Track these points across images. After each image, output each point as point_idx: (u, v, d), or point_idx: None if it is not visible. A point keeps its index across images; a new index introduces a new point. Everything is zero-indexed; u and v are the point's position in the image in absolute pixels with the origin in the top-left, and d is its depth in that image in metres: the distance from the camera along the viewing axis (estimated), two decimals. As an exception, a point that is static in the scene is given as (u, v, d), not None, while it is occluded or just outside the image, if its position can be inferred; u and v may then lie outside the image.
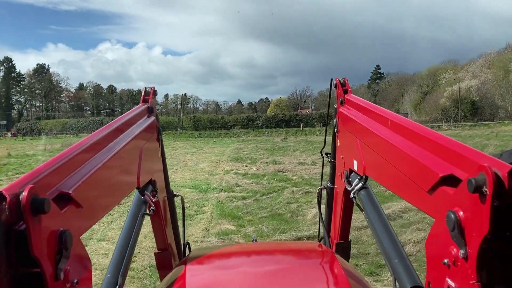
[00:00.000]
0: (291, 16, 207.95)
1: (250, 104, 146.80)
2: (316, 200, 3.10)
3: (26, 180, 1.04)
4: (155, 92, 2.54)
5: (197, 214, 12.08)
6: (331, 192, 2.77)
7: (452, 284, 1.09)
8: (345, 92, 2.42)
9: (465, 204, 1.01)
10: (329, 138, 2.77)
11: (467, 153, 1.14)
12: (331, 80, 2.55)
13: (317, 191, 2.99)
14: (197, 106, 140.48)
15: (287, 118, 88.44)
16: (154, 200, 2.25)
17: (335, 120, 2.50)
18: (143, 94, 2.49)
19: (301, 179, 17.92)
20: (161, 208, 2.51)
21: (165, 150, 2.81)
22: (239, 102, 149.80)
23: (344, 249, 2.67)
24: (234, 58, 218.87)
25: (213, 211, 12.33)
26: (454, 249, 1.05)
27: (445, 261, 1.10)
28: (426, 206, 1.32)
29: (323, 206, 3.02)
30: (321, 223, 3.02)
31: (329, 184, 2.81)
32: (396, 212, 10.40)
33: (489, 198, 0.90)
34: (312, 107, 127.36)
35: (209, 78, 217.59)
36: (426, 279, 1.26)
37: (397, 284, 1.60)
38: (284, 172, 20.53)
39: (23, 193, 0.92)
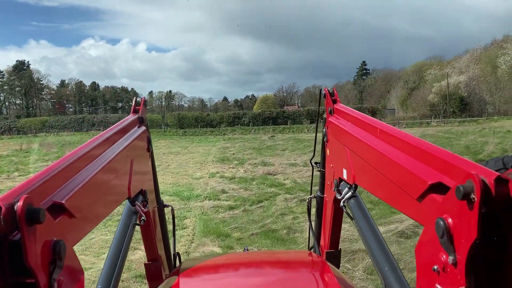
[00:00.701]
0: (276, 12, 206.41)
1: (236, 101, 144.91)
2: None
3: (21, 190, 1.04)
4: (145, 103, 2.55)
5: (176, 230, 10.37)
6: (320, 201, 2.79)
7: None
8: (334, 101, 2.43)
9: (454, 211, 1.02)
10: (318, 144, 2.81)
11: (455, 161, 1.16)
12: (320, 90, 2.61)
13: (307, 200, 3.02)
14: (182, 103, 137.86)
15: (274, 115, 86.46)
16: (145, 210, 2.20)
17: (324, 129, 2.52)
18: (133, 104, 2.48)
19: (294, 183, 16.28)
20: (151, 218, 2.47)
21: None
22: (225, 99, 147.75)
23: (334, 258, 2.69)
24: (219, 54, 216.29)
25: (195, 226, 10.62)
26: (444, 256, 1.06)
27: (435, 267, 1.10)
28: (415, 214, 1.34)
29: (313, 216, 3.02)
30: (311, 232, 3.02)
31: (318, 193, 2.82)
32: (411, 227, 8.83)
33: (476, 204, 0.92)
34: (299, 103, 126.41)
35: (194, 74, 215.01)
36: (417, 286, 1.25)
37: None
38: (274, 175, 18.91)
39: (18, 203, 0.92)
